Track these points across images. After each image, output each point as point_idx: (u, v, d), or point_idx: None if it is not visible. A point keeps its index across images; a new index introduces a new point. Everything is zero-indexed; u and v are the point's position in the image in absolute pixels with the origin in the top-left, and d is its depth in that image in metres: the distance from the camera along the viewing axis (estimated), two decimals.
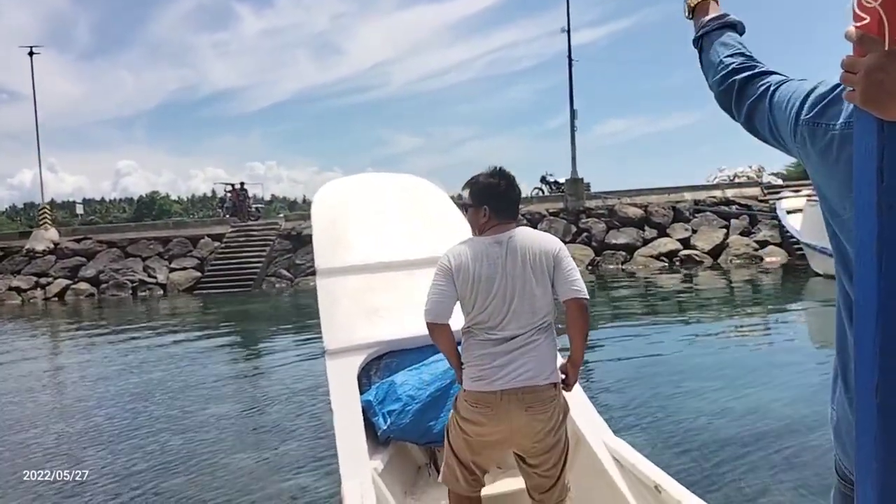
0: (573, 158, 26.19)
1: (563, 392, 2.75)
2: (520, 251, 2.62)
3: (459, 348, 2.75)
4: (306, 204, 67.84)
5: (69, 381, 10.11)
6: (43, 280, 23.29)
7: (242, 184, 28.83)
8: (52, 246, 24.35)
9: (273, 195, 65.59)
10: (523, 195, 26.33)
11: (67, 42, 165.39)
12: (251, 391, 8.19)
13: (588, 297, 2.63)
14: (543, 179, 27.23)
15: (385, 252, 4.14)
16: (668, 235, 22.48)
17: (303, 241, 23.38)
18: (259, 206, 30.64)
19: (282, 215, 28.87)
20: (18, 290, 22.93)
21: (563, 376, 2.72)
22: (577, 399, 3.18)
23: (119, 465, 5.65)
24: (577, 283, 2.62)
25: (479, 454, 2.73)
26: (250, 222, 26.27)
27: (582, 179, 25.48)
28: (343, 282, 4.08)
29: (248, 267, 22.94)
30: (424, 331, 2.69)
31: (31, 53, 29.75)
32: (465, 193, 2.81)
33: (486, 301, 2.59)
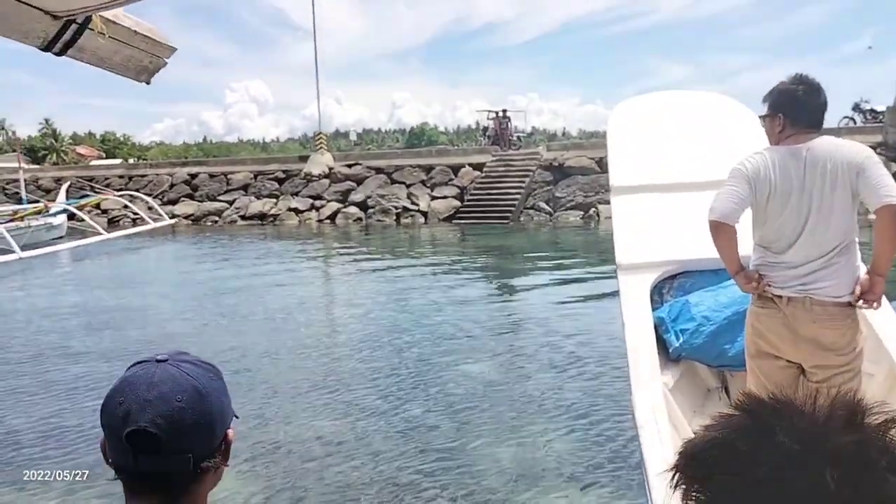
0: None
1: (873, 315, 2.69)
2: (819, 163, 2.41)
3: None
4: (565, 136, 66.26)
5: (328, 309, 9.89)
6: (317, 203, 24.65)
7: (505, 111, 28.27)
8: (326, 170, 25.64)
9: (533, 127, 65.04)
10: (830, 126, 22.23)
11: None
12: (508, 344, 7.04)
13: None
14: (856, 107, 22.66)
15: (684, 172, 4.01)
16: None
17: (564, 173, 21.99)
18: (520, 135, 29.78)
19: (541, 146, 27.63)
20: (296, 210, 24.54)
21: (862, 290, 2.43)
22: None
23: (354, 421, 4.77)
24: (890, 188, 2.31)
25: (771, 380, 2.57)
26: (511, 151, 25.45)
27: None
28: (638, 199, 4.04)
29: (507, 198, 22.12)
30: None
31: None
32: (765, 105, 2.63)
33: (779, 216, 2.47)
